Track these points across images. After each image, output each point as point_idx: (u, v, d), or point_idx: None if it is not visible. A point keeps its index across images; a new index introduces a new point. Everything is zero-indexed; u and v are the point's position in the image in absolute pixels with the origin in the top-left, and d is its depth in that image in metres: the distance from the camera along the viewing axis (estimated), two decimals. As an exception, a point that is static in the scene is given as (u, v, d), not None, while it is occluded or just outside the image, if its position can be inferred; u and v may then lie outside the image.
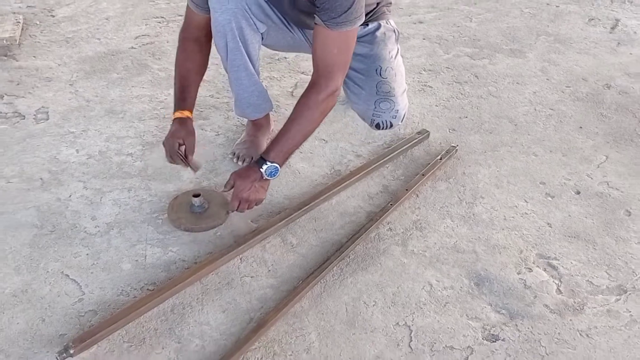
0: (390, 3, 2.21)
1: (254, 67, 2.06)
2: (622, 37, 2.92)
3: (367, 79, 2.03)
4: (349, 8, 1.75)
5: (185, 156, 1.94)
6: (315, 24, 1.82)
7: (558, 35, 2.93)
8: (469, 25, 3.02)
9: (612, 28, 2.98)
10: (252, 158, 2.18)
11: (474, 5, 3.17)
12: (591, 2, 3.19)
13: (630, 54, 2.81)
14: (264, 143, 2.24)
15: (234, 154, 2.23)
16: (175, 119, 1.98)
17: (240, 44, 1.97)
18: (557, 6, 3.15)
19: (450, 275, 1.84)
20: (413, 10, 3.09)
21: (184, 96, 2.00)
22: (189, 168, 1.99)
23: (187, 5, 1.99)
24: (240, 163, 2.20)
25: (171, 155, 1.94)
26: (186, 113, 1.98)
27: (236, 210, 1.92)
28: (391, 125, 2.14)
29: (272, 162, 1.87)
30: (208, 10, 1.92)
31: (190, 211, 2.00)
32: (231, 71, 2.06)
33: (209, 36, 2.01)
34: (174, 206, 2.02)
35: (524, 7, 3.14)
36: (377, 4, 2.11)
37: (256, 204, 1.95)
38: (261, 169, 1.87)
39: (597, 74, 2.68)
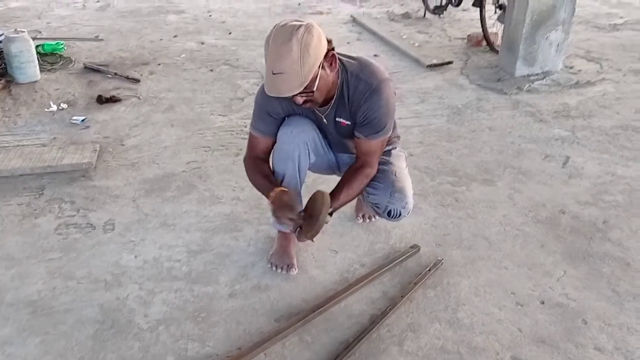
0: (399, 137, 2.26)
1: (300, 187, 2.11)
2: (572, 171, 2.94)
3: (385, 177, 2.06)
4: (384, 127, 1.93)
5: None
6: (358, 137, 1.96)
7: (521, 168, 2.96)
8: (450, 158, 3.06)
9: (564, 164, 3.01)
10: (287, 265, 2.19)
11: (453, 142, 3.22)
12: (546, 142, 3.24)
13: (580, 185, 2.82)
14: (293, 251, 2.24)
15: (271, 263, 2.22)
16: (277, 192, 1.92)
17: (297, 170, 2.03)
18: (519, 145, 3.20)
19: (439, 373, 1.78)
20: (406, 146, 3.13)
21: (272, 181, 2.00)
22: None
23: (251, 135, 2.05)
24: (279, 271, 2.19)
25: (281, 219, 1.92)
26: (281, 188, 1.95)
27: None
28: (400, 215, 2.09)
29: (333, 211, 1.95)
30: (272, 136, 2.01)
31: None
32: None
33: (268, 155, 2.07)
34: None
35: (493, 145, 3.20)
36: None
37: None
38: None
39: (553, 201, 2.68)
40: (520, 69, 4.12)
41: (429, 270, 2.21)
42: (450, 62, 4.43)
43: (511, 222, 2.53)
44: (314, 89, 1.77)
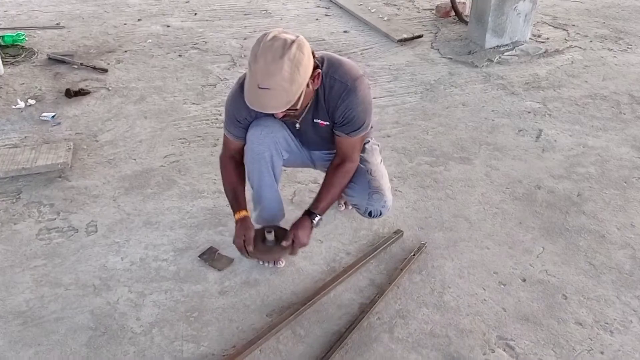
0: (372, 127, 2.27)
1: (277, 185, 2.15)
2: (545, 144, 3.01)
3: (362, 177, 2.09)
4: (364, 124, 1.96)
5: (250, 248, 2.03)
6: (338, 136, 1.98)
7: (496, 144, 3.02)
8: (426, 137, 3.10)
9: (537, 137, 3.08)
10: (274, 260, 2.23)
11: (428, 121, 3.26)
12: (519, 115, 3.30)
13: (553, 158, 2.90)
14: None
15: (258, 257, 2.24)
16: (237, 220, 2.04)
17: (270, 168, 2.06)
18: (492, 120, 3.26)
19: (430, 358, 1.85)
20: (382, 127, 3.17)
21: (238, 201, 2.07)
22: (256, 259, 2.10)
23: (225, 136, 2.08)
24: (266, 264, 2.23)
25: (240, 251, 2.04)
26: (243, 213, 2.05)
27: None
28: (381, 214, 2.15)
29: (319, 216, 2.02)
30: (243, 140, 2.03)
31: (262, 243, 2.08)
32: (260, 189, 2.13)
33: (242, 155, 2.09)
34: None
35: (467, 121, 3.24)
36: None
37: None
38: (313, 221, 2.01)
39: (529, 176, 2.75)
40: (490, 41, 4.15)
41: (414, 255, 2.26)
42: (420, 36, 4.44)
43: (489, 200, 2.59)
44: (298, 106, 1.77)
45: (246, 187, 2.12)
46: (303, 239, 2.01)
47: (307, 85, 1.77)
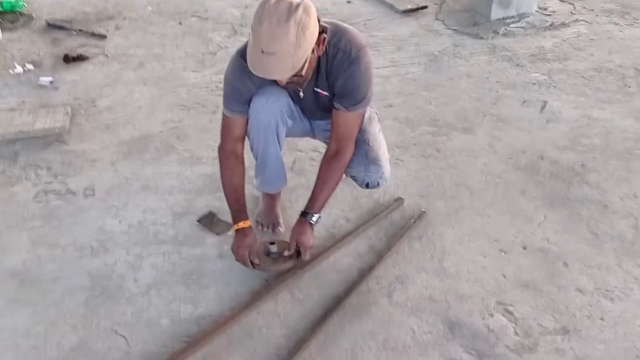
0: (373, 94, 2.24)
1: (281, 153, 2.10)
2: (549, 116, 2.98)
3: (359, 147, 2.03)
4: (364, 97, 1.86)
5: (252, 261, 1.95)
6: (337, 109, 1.89)
7: (499, 115, 2.99)
8: (429, 107, 3.07)
9: (542, 108, 3.05)
10: (273, 224, 2.21)
11: (432, 91, 3.22)
12: (523, 87, 3.27)
13: (557, 129, 2.87)
14: (279, 210, 2.26)
15: (257, 222, 2.23)
16: (238, 230, 1.96)
17: (275, 136, 1.99)
18: (497, 91, 3.22)
19: (429, 322, 1.84)
20: (384, 96, 3.13)
21: (240, 208, 1.98)
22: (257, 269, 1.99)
23: (223, 119, 1.96)
24: (265, 229, 2.21)
25: (243, 262, 1.96)
26: (247, 223, 1.97)
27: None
28: (378, 185, 2.12)
29: (315, 214, 1.96)
30: (246, 116, 1.93)
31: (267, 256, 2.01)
32: (265, 157, 2.06)
33: (242, 143, 2.00)
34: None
35: (471, 92, 3.21)
36: None
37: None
38: (311, 222, 1.95)
39: (532, 147, 2.73)
40: (496, 12, 4.09)
41: (414, 221, 2.25)
42: (425, 7, 4.37)
43: (492, 170, 2.57)
44: (303, 73, 1.70)
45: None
46: (307, 243, 1.95)
47: (312, 51, 1.70)
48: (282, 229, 2.22)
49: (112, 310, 1.87)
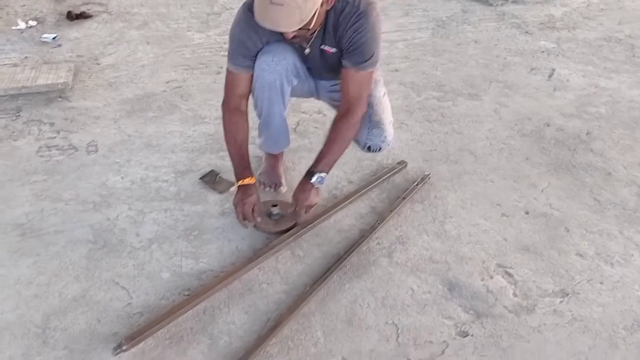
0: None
1: (285, 113, 2.08)
2: (557, 84, 2.96)
3: None
4: (373, 54, 1.83)
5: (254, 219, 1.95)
6: (345, 68, 1.86)
7: (506, 82, 2.96)
8: (435, 73, 3.04)
9: (549, 76, 3.02)
10: (275, 184, 2.21)
11: (438, 57, 3.19)
12: (532, 54, 3.23)
13: (564, 97, 2.84)
14: (281, 170, 2.25)
15: (260, 181, 2.22)
16: (241, 185, 1.94)
17: (280, 96, 1.97)
18: (505, 58, 3.19)
19: (428, 281, 1.85)
20: (390, 61, 3.11)
21: (244, 164, 1.96)
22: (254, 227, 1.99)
23: (228, 75, 1.93)
24: (267, 189, 2.21)
25: (246, 218, 1.94)
26: (252, 180, 1.95)
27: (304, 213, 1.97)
28: (380, 149, 2.11)
29: (319, 173, 1.91)
30: (251, 72, 1.90)
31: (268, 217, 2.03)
32: (269, 117, 2.04)
33: (246, 100, 1.98)
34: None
35: (478, 58, 3.17)
36: None
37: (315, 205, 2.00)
38: (311, 181, 1.91)
39: (538, 114, 2.71)
40: (506, -21, 4.02)
41: (416, 185, 2.24)
42: (434, -27, 4.29)
43: (497, 136, 2.56)
44: (310, 26, 1.67)
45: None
46: (304, 201, 1.93)
47: (321, 4, 1.67)
48: (284, 188, 2.22)
49: (113, 263, 1.89)
